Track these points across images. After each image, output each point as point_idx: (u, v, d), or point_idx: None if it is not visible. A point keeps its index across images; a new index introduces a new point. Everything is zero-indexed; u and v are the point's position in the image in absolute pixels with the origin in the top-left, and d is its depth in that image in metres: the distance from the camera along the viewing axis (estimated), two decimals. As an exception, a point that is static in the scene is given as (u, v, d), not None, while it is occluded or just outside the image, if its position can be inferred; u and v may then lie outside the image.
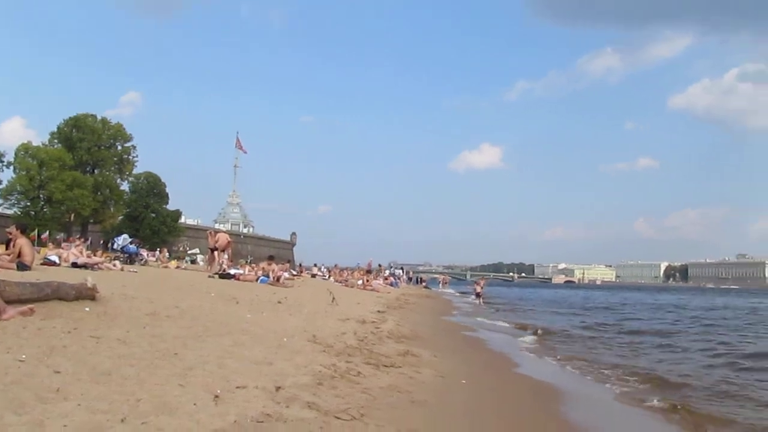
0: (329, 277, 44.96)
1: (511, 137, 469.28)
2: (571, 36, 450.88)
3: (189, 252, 66.10)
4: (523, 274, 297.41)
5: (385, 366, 9.82)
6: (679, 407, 9.62)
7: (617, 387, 11.54)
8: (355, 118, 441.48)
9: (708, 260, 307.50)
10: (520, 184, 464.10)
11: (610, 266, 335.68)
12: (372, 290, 36.10)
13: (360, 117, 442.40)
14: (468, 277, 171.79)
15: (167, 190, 75.90)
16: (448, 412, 7.86)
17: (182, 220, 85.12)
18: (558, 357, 15.59)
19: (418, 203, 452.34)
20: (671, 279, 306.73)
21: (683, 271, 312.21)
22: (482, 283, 54.07)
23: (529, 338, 20.53)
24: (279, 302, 17.06)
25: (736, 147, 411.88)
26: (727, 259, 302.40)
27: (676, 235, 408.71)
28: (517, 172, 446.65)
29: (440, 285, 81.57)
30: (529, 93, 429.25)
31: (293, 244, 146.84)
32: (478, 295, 49.26)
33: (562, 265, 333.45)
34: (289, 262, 51.47)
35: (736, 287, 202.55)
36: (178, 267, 33.68)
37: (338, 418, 6.10)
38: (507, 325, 25.82)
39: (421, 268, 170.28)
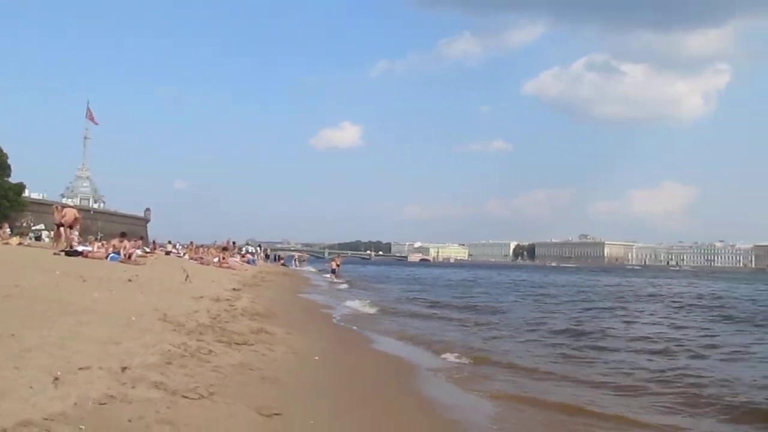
0: (184, 254, 43.88)
1: (371, 116, 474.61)
2: (432, 19, 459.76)
3: (33, 228, 62.25)
4: (380, 253, 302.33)
5: (238, 344, 9.76)
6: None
7: (456, 362, 12.17)
8: (213, 91, 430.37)
9: (553, 240, 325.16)
10: (379, 163, 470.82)
11: (463, 245, 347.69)
12: (228, 268, 35.55)
13: (219, 90, 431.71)
14: (326, 255, 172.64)
15: (9, 161, 71.25)
16: (299, 388, 7.95)
17: (26, 193, 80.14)
18: (409, 334, 16.19)
19: (278, 180, 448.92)
20: (519, 257, 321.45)
21: (531, 250, 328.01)
22: (338, 260, 54.91)
23: (374, 310, 21.41)
24: (129, 280, 16.48)
25: (582, 133, 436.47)
26: (570, 239, 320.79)
27: (525, 215, 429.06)
28: (376, 150, 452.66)
29: (294, 262, 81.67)
30: (390, 73, 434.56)
31: (147, 221, 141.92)
32: (333, 271, 50.33)
33: (417, 244, 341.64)
34: (142, 239, 49.60)
35: (577, 266, 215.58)
36: (20, 244, 31.79)
37: (186, 397, 6.03)
38: (359, 301, 26.25)
39: (279, 246, 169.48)
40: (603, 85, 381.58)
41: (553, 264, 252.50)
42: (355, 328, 16.70)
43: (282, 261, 76.57)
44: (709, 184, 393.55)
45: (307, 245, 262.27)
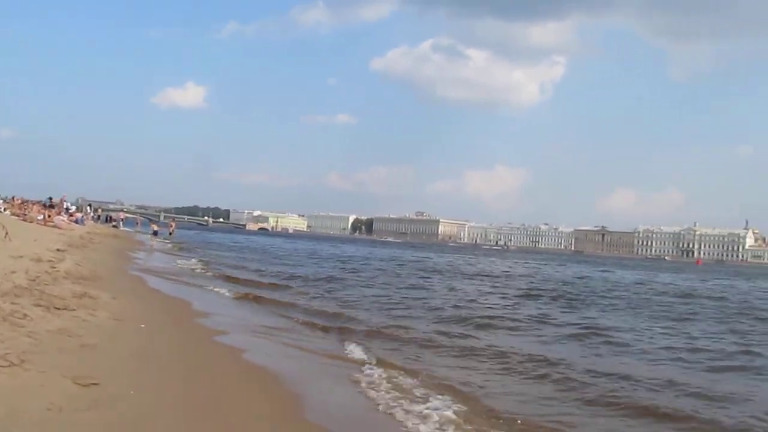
0: (5, 209, 40.87)
1: (218, 78, 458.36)
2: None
3: None
4: (220, 219, 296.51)
5: (58, 308, 9.30)
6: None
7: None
8: (49, 36, 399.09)
9: (391, 215, 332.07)
10: (222, 127, 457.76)
11: (303, 216, 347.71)
12: (53, 227, 33.56)
13: (55, 35, 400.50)
14: (161, 218, 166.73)
15: None
16: (122, 357, 7.70)
17: None
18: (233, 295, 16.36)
19: (114, 137, 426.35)
20: (357, 231, 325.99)
21: (369, 225, 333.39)
22: (173, 225, 53.67)
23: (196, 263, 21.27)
24: (-64, 235, 15.22)
25: (425, 112, 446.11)
26: (407, 215, 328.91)
27: (365, 189, 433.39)
28: (220, 114, 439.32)
29: (137, 225, 78.44)
30: (240, 35, 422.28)
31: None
32: (155, 233, 50.85)
33: (257, 212, 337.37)
34: (-47, 190, 45.68)
35: (401, 241, 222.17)
36: None
37: (-6, 363, 5.70)
38: (186, 262, 25.84)
39: (111, 207, 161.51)
40: (448, 67, 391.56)
41: (390, 239, 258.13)
42: (185, 297, 16.34)
43: (114, 222, 72.74)
44: (539, 169, 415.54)
45: (141, 207, 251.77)
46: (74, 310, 9.58)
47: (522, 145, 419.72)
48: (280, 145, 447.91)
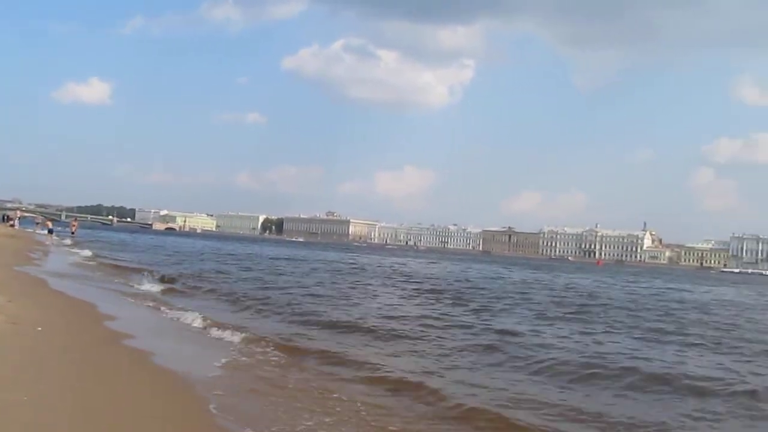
0: None
1: (123, 74, 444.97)
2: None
3: None
4: (127, 219, 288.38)
5: (-54, 312, 8.89)
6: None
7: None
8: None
9: (302, 215, 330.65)
10: (129, 125, 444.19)
11: (212, 215, 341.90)
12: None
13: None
14: (63, 217, 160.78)
15: None
16: (16, 361, 7.45)
17: None
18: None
19: (12, 132, 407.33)
20: (268, 231, 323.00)
21: (279, 225, 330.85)
22: (75, 224, 52.11)
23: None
24: None
25: (337, 113, 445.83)
26: (318, 215, 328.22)
27: (276, 189, 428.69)
28: (126, 111, 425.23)
29: (39, 226, 75.02)
30: (146, 31, 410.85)
31: None
32: (50, 231, 49.73)
33: (164, 212, 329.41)
34: None
35: (306, 241, 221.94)
36: None
37: None
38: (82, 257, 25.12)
39: (9, 205, 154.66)
40: (358, 67, 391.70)
41: (301, 239, 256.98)
42: (86, 298, 15.85)
43: (11, 222, 69.21)
44: (448, 170, 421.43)
45: (41, 206, 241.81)
46: (-35, 313, 9.19)
47: (432, 147, 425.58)
48: (189, 144, 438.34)
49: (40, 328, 9.92)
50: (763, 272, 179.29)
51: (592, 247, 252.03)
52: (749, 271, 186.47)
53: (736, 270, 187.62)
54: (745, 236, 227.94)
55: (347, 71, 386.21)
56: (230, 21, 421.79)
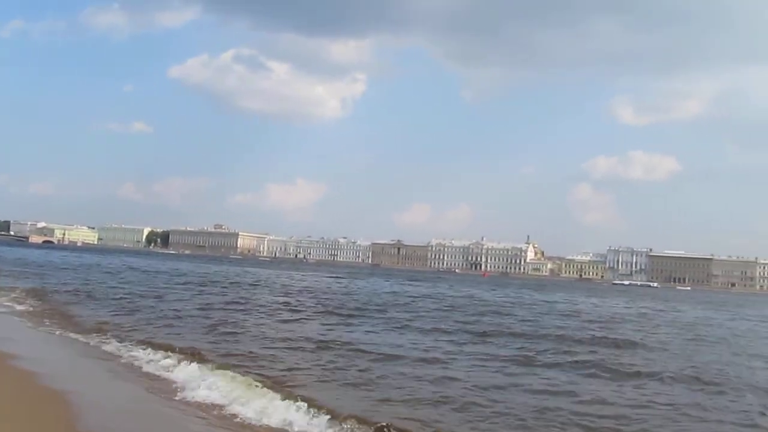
0: None
1: (0, 79, 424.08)
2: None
3: None
4: (1, 232, 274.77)
5: None
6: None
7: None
8: None
9: (189, 228, 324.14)
10: (4, 133, 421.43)
11: (93, 228, 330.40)
12: None
13: None
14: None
15: None
16: None
17: None
18: None
19: None
20: (153, 244, 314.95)
21: (165, 237, 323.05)
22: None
23: None
24: None
25: (225, 123, 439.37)
26: (206, 228, 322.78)
27: (161, 201, 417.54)
28: (2, 118, 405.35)
29: None
30: (24, 34, 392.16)
31: None
32: None
33: (41, 224, 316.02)
34: None
35: (211, 254, 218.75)
36: None
37: None
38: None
39: None
40: (249, 78, 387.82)
41: (188, 252, 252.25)
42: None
43: None
44: (339, 183, 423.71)
45: None
46: None
47: (324, 160, 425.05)
48: (71, 154, 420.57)
49: None
50: (651, 284, 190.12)
51: (478, 259, 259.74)
52: (638, 283, 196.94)
53: (626, 282, 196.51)
54: (620, 249, 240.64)
55: (238, 82, 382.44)
56: (115, 28, 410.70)
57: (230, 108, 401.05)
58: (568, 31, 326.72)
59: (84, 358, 12.54)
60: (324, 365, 13.34)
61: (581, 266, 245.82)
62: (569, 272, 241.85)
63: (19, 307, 20.47)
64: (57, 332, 15.45)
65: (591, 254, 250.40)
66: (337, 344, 16.29)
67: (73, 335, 15.18)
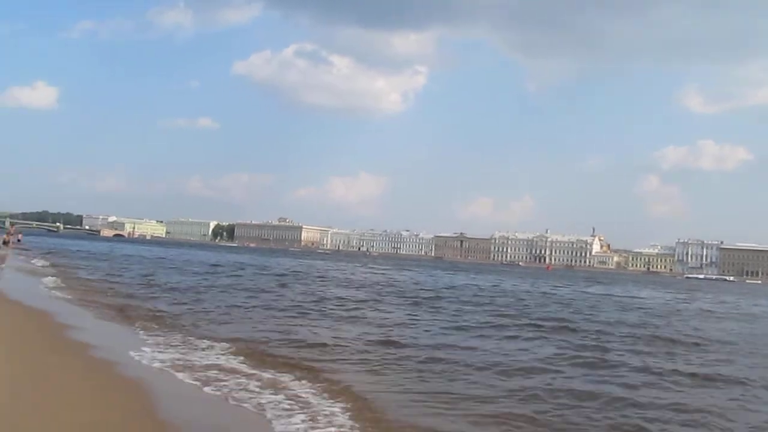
0: None
1: (71, 78, 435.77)
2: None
3: None
4: (71, 226, 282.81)
5: None
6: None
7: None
8: None
9: (254, 221, 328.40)
10: (76, 129, 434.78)
11: (162, 222, 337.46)
12: None
13: None
14: (6, 224, 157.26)
15: None
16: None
17: None
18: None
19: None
20: (219, 237, 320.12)
21: (230, 230, 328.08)
22: (19, 236, 51.39)
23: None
24: None
25: (289, 118, 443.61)
26: (270, 221, 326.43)
27: (227, 195, 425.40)
28: (74, 116, 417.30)
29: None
30: (94, 34, 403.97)
31: None
32: (5, 242, 48.19)
33: (112, 218, 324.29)
34: None
35: (276, 247, 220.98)
36: None
37: None
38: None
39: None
40: (311, 73, 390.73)
41: (253, 245, 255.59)
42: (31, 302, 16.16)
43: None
44: (401, 176, 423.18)
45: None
46: None
47: (385, 153, 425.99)
48: (139, 150, 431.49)
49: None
50: (727, 278, 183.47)
51: (543, 252, 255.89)
52: (713, 277, 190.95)
53: (701, 276, 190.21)
54: (690, 241, 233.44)
55: (300, 76, 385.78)
56: (181, 26, 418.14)
57: (293, 102, 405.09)
58: (637, 19, 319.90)
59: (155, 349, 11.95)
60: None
61: (648, 259, 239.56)
62: (636, 265, 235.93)
63: (104, 301, 20.18)
64: (135, 325, 15.06)
65: (659, 247, 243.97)
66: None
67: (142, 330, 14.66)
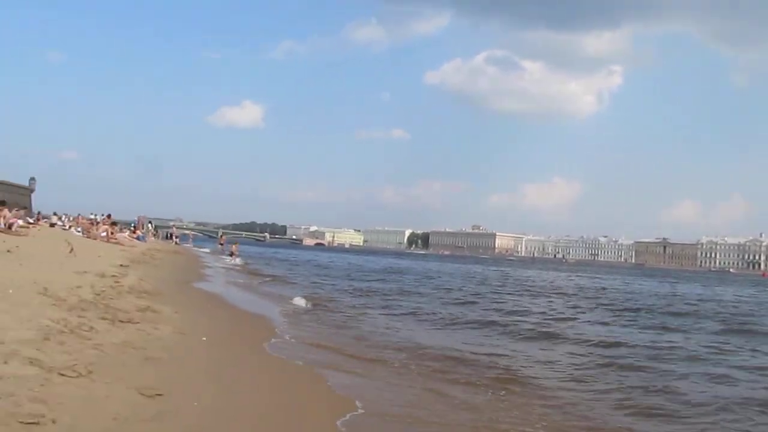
0: (69, 227, 42.02)
1: (273, 96, 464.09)
2: (339, 2, 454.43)
3: None
4: (276, 235, 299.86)
5: (122, 321, 9.46)
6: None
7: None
8: (104, 60, 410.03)
9: (447, 229, 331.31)
10: (279, 144, 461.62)
11: (359, 231, 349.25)
12: (116, 243, 34.38)
13: (110, 59, 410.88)
14: (220, 234, 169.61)
15: None
16: (184, 369, 7.75)
17: None
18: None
19: (172, 156, 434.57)
20: (413, 245, 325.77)
21: (425, 239, 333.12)
22: (232, 248, 53.94)
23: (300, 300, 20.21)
24: (9, 251, 15.70)
25: (480, 126, 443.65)
26: (463, 229, 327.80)
27: (420, 204, 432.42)
28: (277, 131, 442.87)
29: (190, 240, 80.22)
30: (294, 54, 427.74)
31: (32, 190, 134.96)
32: (231, 254, 50.40)
33: (313, 228, 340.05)
34: (25, 209, 47.13)
35: (470, 255, 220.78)
36: None
37: (62, 374, 5.79)
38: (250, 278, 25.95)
39: (171, 224, 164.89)
40: (502, 79, 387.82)
41: (447, 252, 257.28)
42: (248, 308, 16.49)
43: (177, 239, 73.66)
44: (597, 180, 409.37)
45: (201, 224, 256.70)
46: (138, 323, 9.73)
47: (580, 157, 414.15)
48: (335, 161, 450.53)
49: (204, 338, 10.36)
50: None
51: (757, 257, 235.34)
52: None
53: None
54: None
55: (491, 83, 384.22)
56: (373, 40, 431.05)
57: (484, 110, 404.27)
58: None
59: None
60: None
61: None
62: None
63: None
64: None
65: None
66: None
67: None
